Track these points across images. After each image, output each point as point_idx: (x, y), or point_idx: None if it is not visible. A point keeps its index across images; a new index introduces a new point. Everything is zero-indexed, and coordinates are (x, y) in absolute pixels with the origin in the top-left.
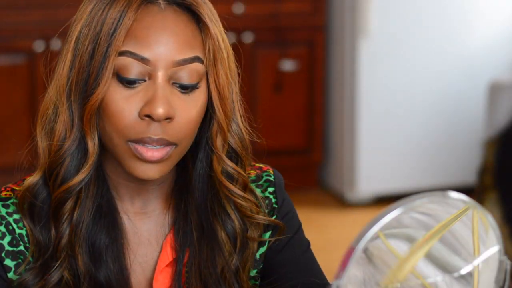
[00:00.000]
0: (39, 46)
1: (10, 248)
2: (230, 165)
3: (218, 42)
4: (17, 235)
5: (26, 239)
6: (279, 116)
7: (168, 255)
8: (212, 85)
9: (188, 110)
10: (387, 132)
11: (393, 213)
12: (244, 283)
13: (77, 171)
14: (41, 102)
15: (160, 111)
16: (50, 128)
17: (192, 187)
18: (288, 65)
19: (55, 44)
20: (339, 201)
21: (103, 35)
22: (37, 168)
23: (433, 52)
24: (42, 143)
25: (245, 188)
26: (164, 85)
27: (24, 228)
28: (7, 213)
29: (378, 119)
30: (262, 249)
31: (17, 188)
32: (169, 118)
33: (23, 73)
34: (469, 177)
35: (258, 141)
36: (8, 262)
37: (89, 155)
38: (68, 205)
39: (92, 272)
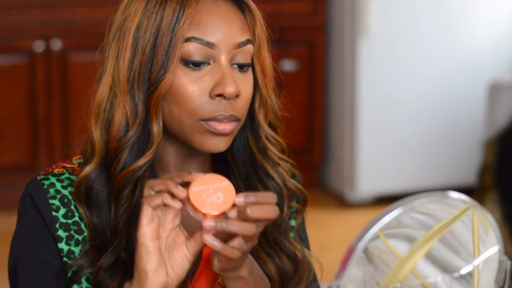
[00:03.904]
0: (39, 46)
1: (64, 220)
2: (271, 134)
3: (263, 28)
4: (72, 207)
5: (78, 213)
6: None
7: None
8: (258, 65)
9: (246, 87)
10: (387, 132)
11: (393, 213)
12: (290, 237)
13: (141, 154)
14: (92, 96)
15: (232, 89)
16: (107, 118)
17: (233, 161)
18: (288, 65)
19: (55, 44)
20: (339, 201)
21: (164, 25)
22: (90, 157)
23: (433, 52)
24: (97, 134)
25: (283, 153)
26: (228, 66)
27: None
28: (62, 187)
29: (378, 119)
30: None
31: (68, 165)
32: (237, 96)
33: (23, 73)
34: (469, 177)
35: (287, 115)
36: (61, 232)
37: (154, 139)
38: (129, 187)
39: None
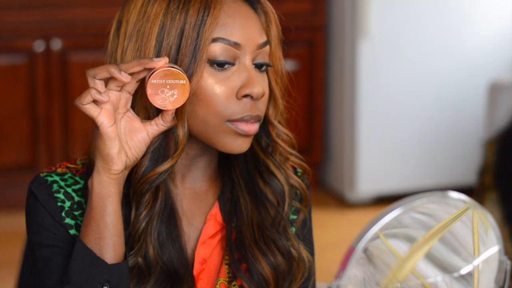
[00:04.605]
0: (39, 46)
1: (70, 210)
2: (282, 130)
3: (278, 28)
4: (76, 202)
5: (85, 206)
6: None
7: (211, 228)
8: (271, 65)
9: (266, 86)
10: (387, 132)
11: (393, 213)
12: (294, 238)
13: (162, 160)
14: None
15: (259, 89)
16: None
17: (234, 158)
18: (288, 65)
19: (55, 44)
20: (339, 201)
21: (188, 27)
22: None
23: (433, 52)
24: None
25: (294, 148)
26: (252, 66)
27: (83, 198)
28: (65, 185)
29: (378, 119)
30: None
31: (72, 166)
32: (262, 96)
33: (23, 73)
34: (469, 177)
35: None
36: (68, 220)
37: (179, 143)
38: (150, 192)
39: (160, 257)
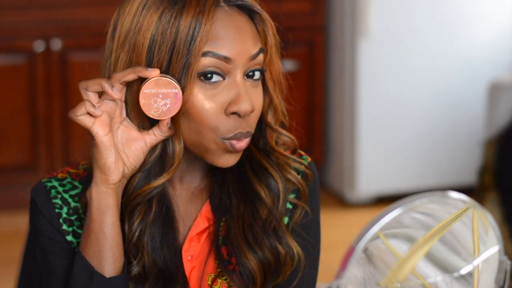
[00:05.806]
0: (39, 46)
1: (67, 216)
2: (283, 133)
3: (274, 35)
4: (72, 207)
5: (81, 211)
6: None
7: (200, 225)
8: (268, 72)
9: (258, 98)
10: (387, 132)
11: (393, 213)
12: (286, 232)
13: (156, 174)
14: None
15: (247, 107)
16: None
17: None
18: (288, 65)
19: (55, 44)
20: (339, 201)
21: (179, 42)
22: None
23: (432, 52)
24: None
25: (295, 151)
26: (242, 81)
27: (79, 203)
28: (63, 190)
29: (378, 119)
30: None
31: (73, 171)
32: (251, 112)
33: (23, 73)
34: (469, 177)
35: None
36: (65, 227)
37: (175, 157)
38: (143, 205)
39: (155, 261)
